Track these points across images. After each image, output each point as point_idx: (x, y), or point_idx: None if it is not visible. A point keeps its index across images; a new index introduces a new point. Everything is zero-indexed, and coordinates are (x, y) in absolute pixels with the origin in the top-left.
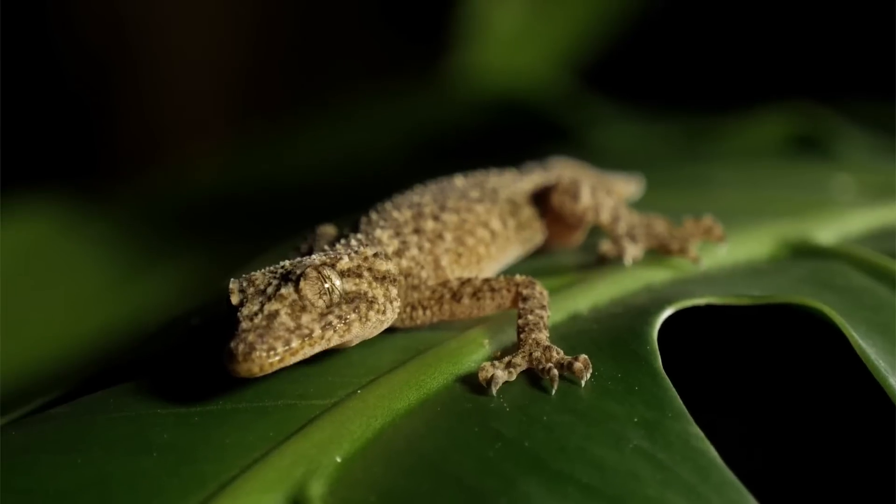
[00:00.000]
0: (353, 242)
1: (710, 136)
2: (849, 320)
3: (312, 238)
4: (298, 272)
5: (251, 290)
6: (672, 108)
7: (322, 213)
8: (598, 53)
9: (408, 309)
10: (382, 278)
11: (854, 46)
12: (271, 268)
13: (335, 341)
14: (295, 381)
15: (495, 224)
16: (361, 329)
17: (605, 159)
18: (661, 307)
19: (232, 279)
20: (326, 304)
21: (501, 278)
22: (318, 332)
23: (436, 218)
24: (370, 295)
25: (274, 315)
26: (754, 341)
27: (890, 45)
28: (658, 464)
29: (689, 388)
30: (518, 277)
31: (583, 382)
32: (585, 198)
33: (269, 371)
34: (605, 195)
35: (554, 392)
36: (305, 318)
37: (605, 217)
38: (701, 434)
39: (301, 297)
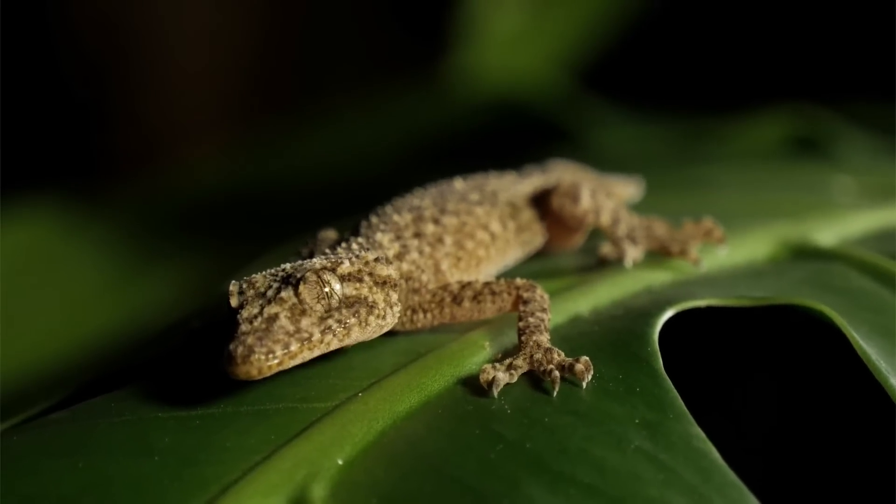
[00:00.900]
0: (354, 246)
1: (710, 137)
2: (850, 322)
3: (314, 242)
4: (299, 276)
5: (251, 292)
6: (672, 110)
7: (321, 213)
8: (597, 55)
9: (408, 312)
10: (383, 283)
11: (854, 48)
12: (272, 270)
13: (335, 345)
14: (296, 384)
15: (495, 227)
16: (361, 333)
17: (605, 161)
18: (661, 309)
19: (232, 281)
20: (326, 308)
21: (502, 281)
22: (317, 335)
23: (436, 221)
24: (370, 300)
25: (273, 318)
26: (755, 343)
27: (890, 46)
28: (660, 465)
29: (691, 389)
30: (519, 280)
31: (584, 384)
32: (585, 200)
33: (268, 374)
34: (605, 197)
35: (555, 394)
36: (305, 322)
37: (605, 219)
38: (703, 435)
39: (301, 301)
